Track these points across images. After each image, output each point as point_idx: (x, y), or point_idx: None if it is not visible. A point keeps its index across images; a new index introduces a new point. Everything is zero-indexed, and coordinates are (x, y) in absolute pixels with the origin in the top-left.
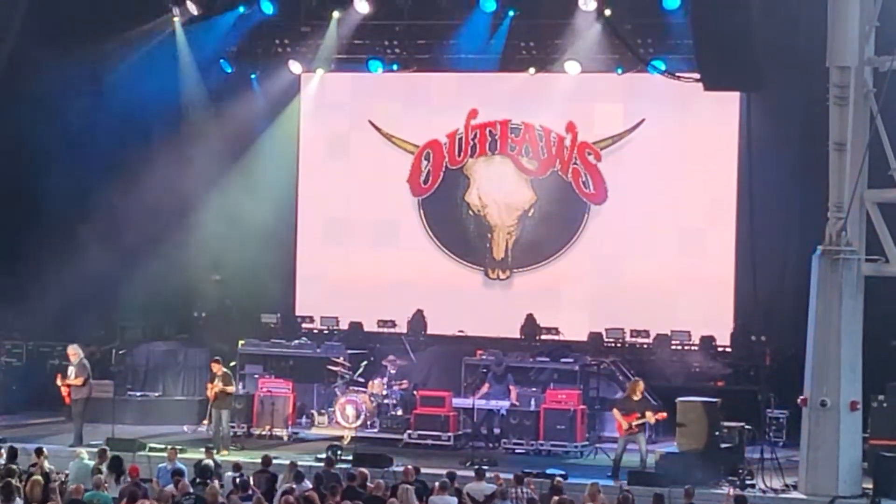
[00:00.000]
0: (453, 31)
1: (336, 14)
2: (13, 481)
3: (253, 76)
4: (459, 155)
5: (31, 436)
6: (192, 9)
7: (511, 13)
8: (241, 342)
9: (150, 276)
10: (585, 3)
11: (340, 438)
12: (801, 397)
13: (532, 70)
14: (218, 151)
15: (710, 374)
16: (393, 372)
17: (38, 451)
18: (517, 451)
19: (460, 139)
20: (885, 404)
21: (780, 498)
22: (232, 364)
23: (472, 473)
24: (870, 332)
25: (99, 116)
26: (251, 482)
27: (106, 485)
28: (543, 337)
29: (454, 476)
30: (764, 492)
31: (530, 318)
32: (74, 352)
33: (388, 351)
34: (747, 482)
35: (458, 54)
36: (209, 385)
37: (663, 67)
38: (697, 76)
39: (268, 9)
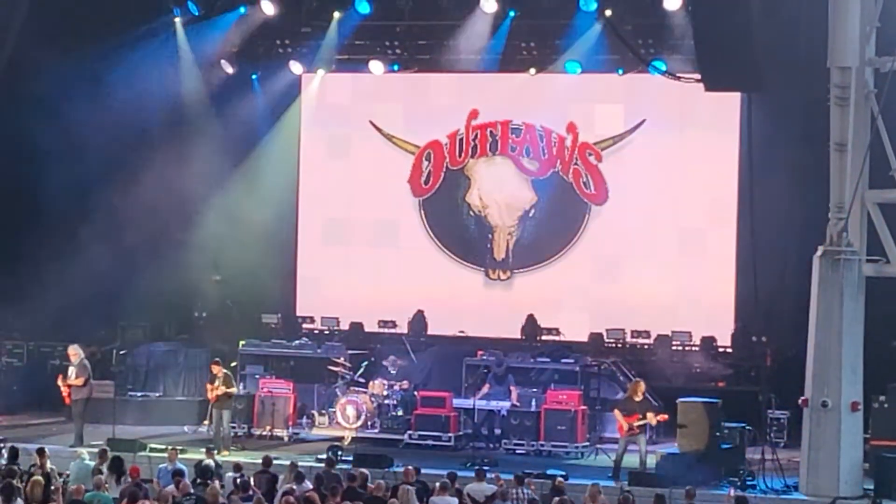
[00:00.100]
0: (454, 31)
1: (337, 14)
2: (14, 482)
3: (254, 76)
4: (460, 155)
5: (31, 436)
6: (193, 9)
7: (512, 14)
8: (241, 342)
9: (151, 276)
10: (586, 3)
11: (341, 439)
12: (802, 398)
13: (533, 70)
14: (219, 152)
15: (710, 375)
16: (393, 372)
17: (41, 452)
18: (518, 451)
19: (461, 140)
20: (886, 405)
21: (781, 499)
22: (233, 364)
23: (472, 474)
24: (871, 333)
25: (99, 117)
26: (252, 483)
27: (106, 485)
28: (544, 337)
29: (455, 477)
30: (765, 492)
31: (531, 319)
32: (75, 352)
33: (388, 351)
34: (748, 483)
35: (458, 55)
36: (209, 386)
37: (664, 68)
38: (698, 77)
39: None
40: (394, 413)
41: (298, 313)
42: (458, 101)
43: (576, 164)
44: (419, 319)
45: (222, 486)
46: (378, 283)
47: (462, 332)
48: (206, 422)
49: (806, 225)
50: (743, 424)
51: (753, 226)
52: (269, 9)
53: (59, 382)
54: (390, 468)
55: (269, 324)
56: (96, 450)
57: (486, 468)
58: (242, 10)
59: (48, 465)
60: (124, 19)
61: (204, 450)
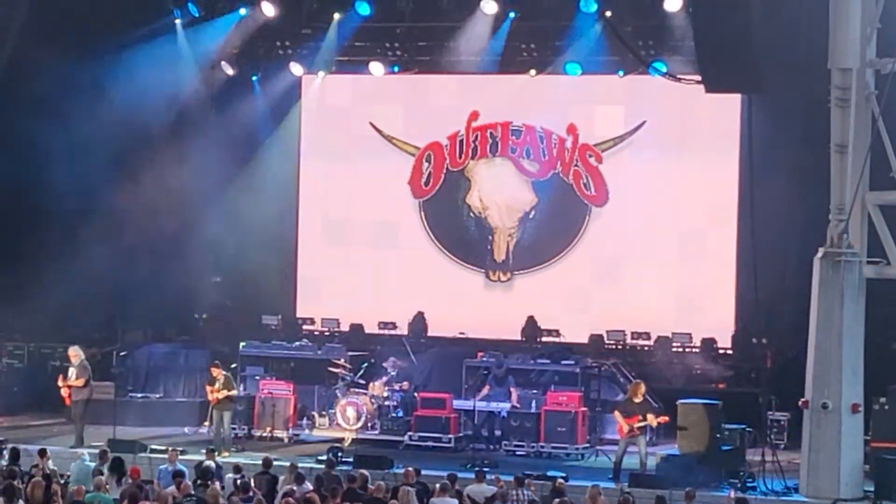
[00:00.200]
0: (454, 32)
1: (337, 16)
2: (15, 483)
3: (254, 78)
4: (460, 157)
5: (32, 437)
6: (194, 10)
7: (512, 15)
8: (241, 344)
9: (152, 277)
10: (586, 4)
11: (341, 440)
12: (803, 400)
13: (533, 72)
14: (219, 153)
15: (711, 377)
16: (394, 374)
17: (42, 453)
18: (518, 453)
19: (461, 141)
20: (886, 406)
21: (782, 500)
22: (233, 366)
23: (472, 475)
24: (871, 335)
25: (100, 117)
26: (252, 484)
27: (107, 486)
28: (544, 339)
29: (455, 478)
30: (765, 494)
31: (531, 320)
32: (75, 353)
33: (388, 353)
34: (748, 484)
35: (459, 56)
36: (209, 388)
37: (664, 69)
38: (698, 78)
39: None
40: (394, 414)
41: (298, 315)
42: (458, 102)
43: (576, 165)
44: (419, 321)
45: (222, 488)
46: (378, 285)
47: (462, 333)
48: (206, 423)
49: (806, 226)
50: (743, 426)
51: (754, 227)
52: (269, 10)
53: (60, 383)
54: (390, 469)
55: (269, 325)
56: (97, 451)
57: (486, 469)
58: (243, 11)
59: (49, 466)
60: (125, 20)
61: (204, 451)
